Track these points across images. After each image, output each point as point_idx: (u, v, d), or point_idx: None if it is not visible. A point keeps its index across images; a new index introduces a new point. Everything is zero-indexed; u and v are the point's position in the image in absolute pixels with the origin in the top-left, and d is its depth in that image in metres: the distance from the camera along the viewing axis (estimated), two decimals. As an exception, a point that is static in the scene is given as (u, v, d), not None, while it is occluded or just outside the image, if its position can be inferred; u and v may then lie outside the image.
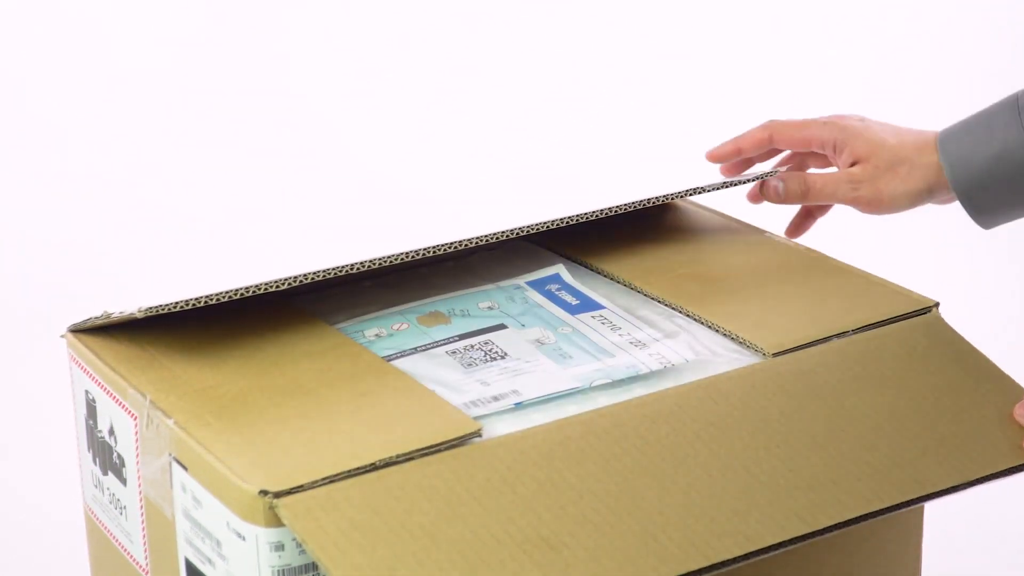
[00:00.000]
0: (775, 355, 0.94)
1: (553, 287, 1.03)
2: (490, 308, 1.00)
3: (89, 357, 0.94)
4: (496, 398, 0.89)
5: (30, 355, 1.74)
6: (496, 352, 0.94)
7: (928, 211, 1.11)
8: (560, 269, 1.05)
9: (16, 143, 2.04)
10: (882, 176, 1.07)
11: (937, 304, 1.01)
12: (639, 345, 0.95)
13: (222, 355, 0.93)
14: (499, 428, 0.86)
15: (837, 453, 0.87)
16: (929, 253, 1.91)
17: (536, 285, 1.04)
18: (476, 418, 0.86)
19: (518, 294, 1.02)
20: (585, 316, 0.99)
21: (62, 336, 0.97)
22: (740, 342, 0.95)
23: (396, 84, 2.13)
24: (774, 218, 1.15)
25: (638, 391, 0.90)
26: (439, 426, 0.85)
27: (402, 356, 0.94)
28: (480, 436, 0.85)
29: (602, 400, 0.89)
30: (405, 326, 0.98)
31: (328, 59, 2.16)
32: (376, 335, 0.96)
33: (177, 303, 0.89)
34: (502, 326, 0.97)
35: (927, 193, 1.07)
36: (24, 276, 1.86)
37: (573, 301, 1.01)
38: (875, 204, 1.08)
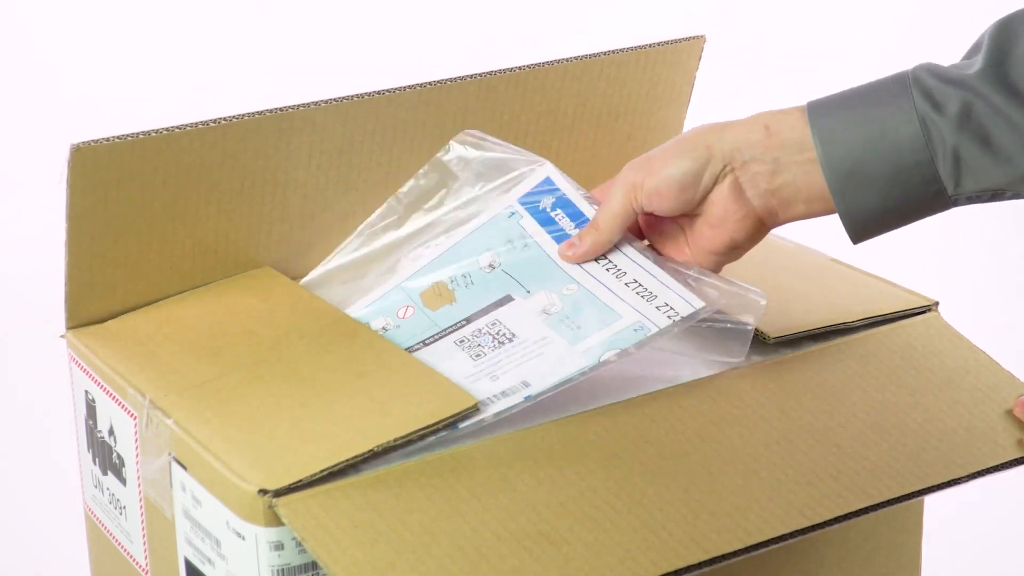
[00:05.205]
0: (776, 339, 0.94)
1: (546, 202, 1.00)
2: (491, 267, 0.98)
3: (89, 357, 0.94)
4: (505, 393, 0.88)
5: (30, 355, 1.74)
6: (504, 334, 0.93)
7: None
8: (549, 169, 1.01)
9: (16, 142, 2.04)
10: (658, 154, 0.92)
11: (937, 304, 1.01)
12: (645, 295, 0.93)
13: (220, 343, 0.93)
14: (513, 425, 0.86)
15: (837, 449, 0.87)
16: (929, 253, 1.91)
17: (529, 203, 1.00)
18: (490, 416, 0.86)
19: (514, 228, 0.99)
20: (590, 264, 0.96)
21: (62, 336, 0.97)
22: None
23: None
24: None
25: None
26: (436, 405, 0.85)
27: (411, 352, 0.93)
28: (479, 411, 0.85)
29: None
30: (411, 311, 0.96)
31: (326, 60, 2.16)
32: (383, 327, 0.96)
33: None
34: (508, 298, 0.96)
35: (694, 167, 0.90)
36: (24, 276, 1.86)
37: (570, 226, 0.98)
38: (641, 184, 0.92)
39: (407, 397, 0.86)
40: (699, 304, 0.91)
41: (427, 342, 0.94)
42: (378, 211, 1.04)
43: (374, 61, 2.14)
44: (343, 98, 1.00)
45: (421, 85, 1.02)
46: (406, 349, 0.93)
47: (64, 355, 0.98)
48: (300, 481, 0.79)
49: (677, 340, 0.95)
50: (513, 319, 0.94)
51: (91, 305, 0.96)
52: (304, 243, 1.03)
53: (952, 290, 1.26)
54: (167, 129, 0.93)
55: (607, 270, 0.95)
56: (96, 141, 0.91)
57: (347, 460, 0.81)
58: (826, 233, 1.17)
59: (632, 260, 0.96)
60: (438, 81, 1.03)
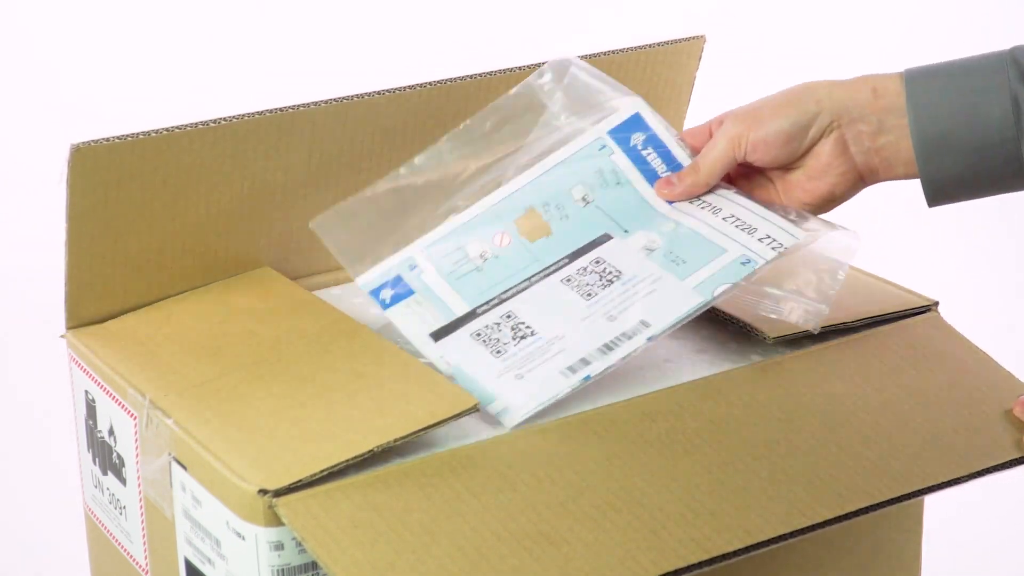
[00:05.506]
0: (776, 339, 0.94)
1: (638, 139, 1.00)
2: (584, 201, 0.97)
3: (89, 357, 0.94)
4: (627, 335, 0.89)
5: (30, 355, 1.74)
6: (611, 272, 0.93)
7: (929, 212, 1.11)
8: (639, 104, 1.01)
9: (16, 142, 2.04)
10: (765, 106, 0.95)
11: (937, 304, 1.01)
12: (746, 229, 0.94)
13: (220, 343, 0.93)
14: (637, 370, 0.88)
15: (837, 449, 0.87)
16: (929, 253, 1.91)
17: (620, 138, 1.00)
18: (617, 361, 0.88)
19: (605, 162, 0.99)
20: (683, 204, 0.97)
21: (62, 336, 0.97)
22: (743, 329, 0.95)
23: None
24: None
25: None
26: (436, 405, 0.85)
27: (519, 291, 0.93)
28: (477, 411, 0.85)
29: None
30: (507, 238, 0.96)
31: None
32: (481, 255, 0.96)
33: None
34: (607, 236, 0.96)
35: (802, 129, 0.93)
36: (24, 276, 1.86)
37: (662, 168, 0.98)
38: (746, 134, 0.94)
39: (407, 397, 0.86)
40: (801, 235, 0.93)
41: (533, 280, 0.94)
42: (464, 123, 1.01)
43: (374, 61, 2.14)
44: (343, 98, 1.00)
45: (421, 85, 1.02)
46: (510, 288, 0.94)
47: (64, 355, 0.98)
48: (300, 481, 0.79)
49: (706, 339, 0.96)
50: (616, 257, 0.94)
51: (91, 305, 0.96)
52: (304, 243, 1.03)
53: (952, 290, 1.26)
54: (167, 129, 0.93)
55: (702, 208, 0.96)
56: (96, 141, 0.91)
57: (347, 460, 0.81)
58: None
59: (726, 199, 0.97)
60: (438, 81, 1.03)
